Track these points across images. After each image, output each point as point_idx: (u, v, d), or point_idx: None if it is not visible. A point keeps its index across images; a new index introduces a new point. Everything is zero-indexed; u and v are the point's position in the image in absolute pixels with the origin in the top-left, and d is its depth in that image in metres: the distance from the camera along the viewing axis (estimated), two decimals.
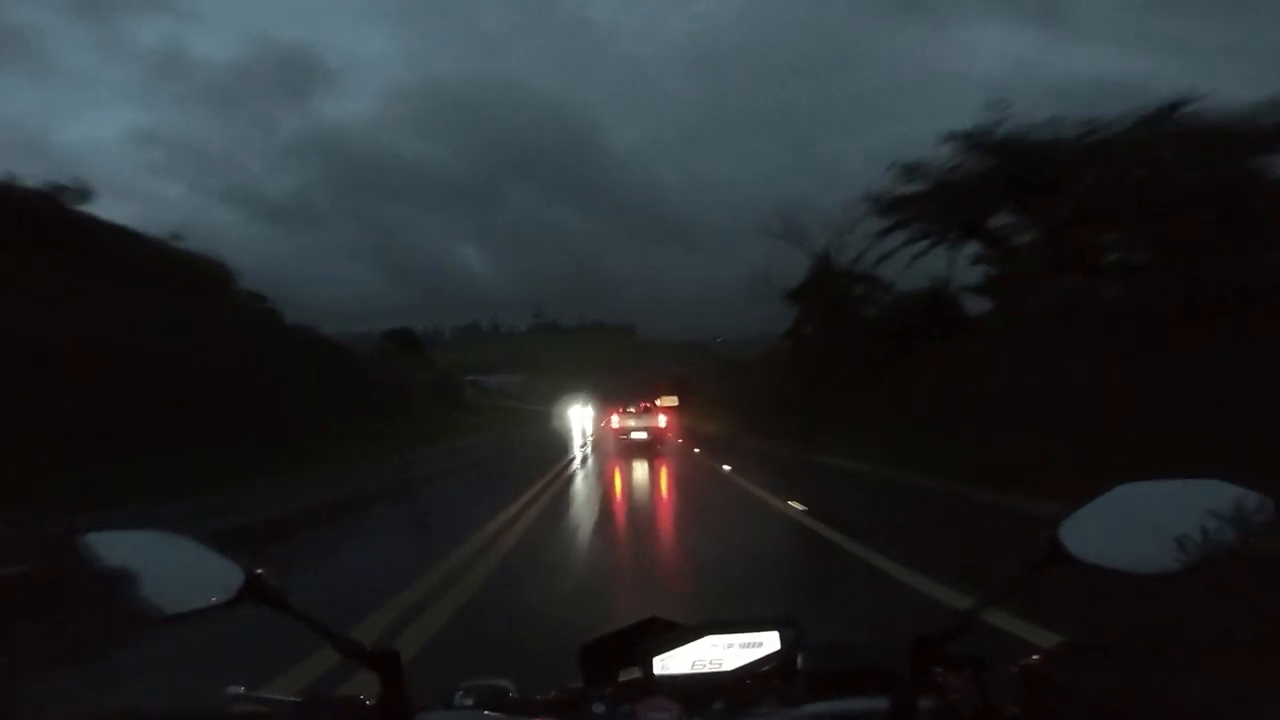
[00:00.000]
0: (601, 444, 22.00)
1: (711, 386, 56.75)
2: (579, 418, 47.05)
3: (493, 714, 0.65)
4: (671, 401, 61.45)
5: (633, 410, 19.81)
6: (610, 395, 35.25)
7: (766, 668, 0.66)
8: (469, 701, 0.67)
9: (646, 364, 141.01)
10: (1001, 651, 0.66)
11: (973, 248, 16.63)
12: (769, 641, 0.66)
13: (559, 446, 21.22)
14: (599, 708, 0.65)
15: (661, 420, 19.47)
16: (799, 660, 0.68)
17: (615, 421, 20.08)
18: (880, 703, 0.64)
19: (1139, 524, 0.61)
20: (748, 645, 0.66)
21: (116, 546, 0.64)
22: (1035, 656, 0.62)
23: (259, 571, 0.65)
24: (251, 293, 26.65)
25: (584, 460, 16.11)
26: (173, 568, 0.64)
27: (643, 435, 18.30)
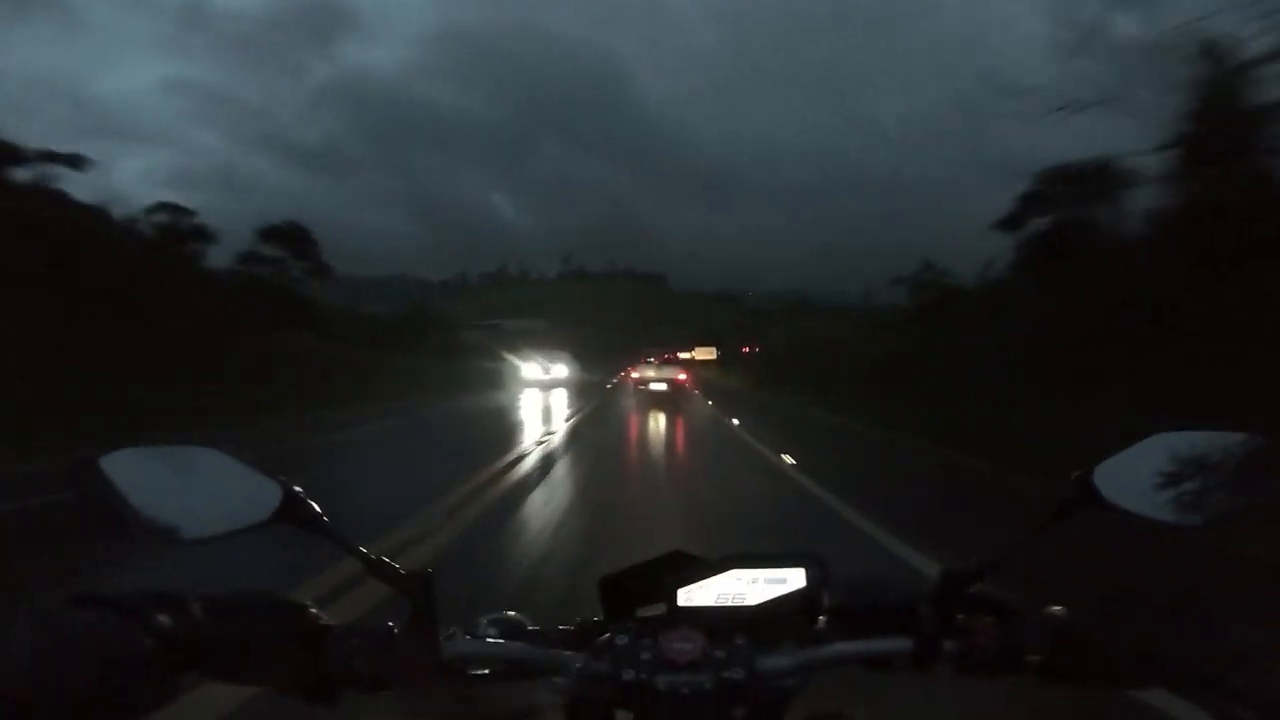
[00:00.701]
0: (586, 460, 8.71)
1: (747, 340, 52.12)
2: (545, 390, 24.50)
3: (519, 644, 0.66)
4: (709, 354, 55.57)
5: (653, 361, 20.29)
6: (638, 346, 30.01)
7: (791, 605, 0.66)
8: (493, 631, 0.68)
9: (677, 314, 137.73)
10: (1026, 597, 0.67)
11: None
12: (794, 578, 0.66)
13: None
14: (622, 639, 0.64)
15: (681, 375, 19.69)
16: (824, 598, 0.68)
17: (636, 373, 20.26)
18: (904, 643, 0.65)
19: (1174, 473, 0.62)
20: (773, 581, 0.66)
21: (142, 464, 0.60)
22: (1061, 606, 0.62)
23: (298, 490, 0.61)
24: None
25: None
26: (204, 485, 0.61)
27: (662, 387, 18.43)
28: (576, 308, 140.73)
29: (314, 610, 0.61)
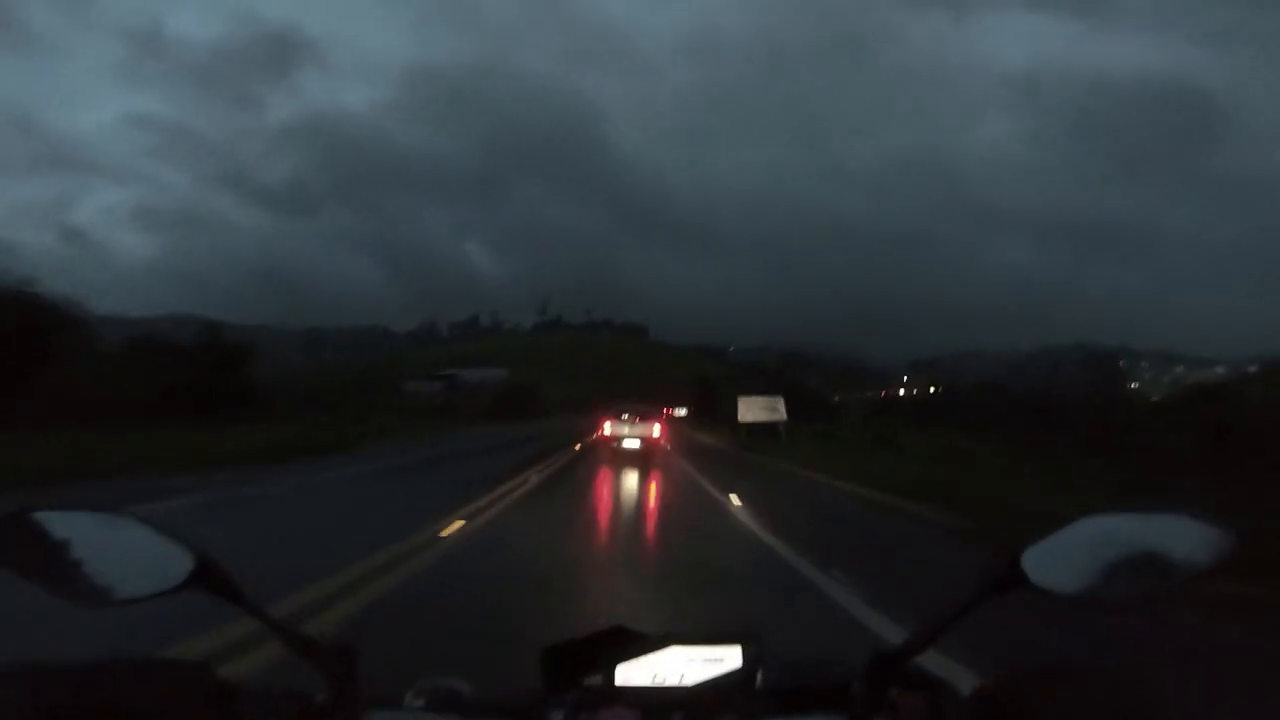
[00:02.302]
0: None
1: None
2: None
3: (445, 717, 0.66)
4: (770, 412, 24.82)
5: (628, 417, 17.56)
6: (619, 398, 23.13)
7: (727, 683, 0.69)
8: (420, 702, 0.68)
9: (659, 366, 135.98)
10: (957, 674, 0.71)
11: None
12: (730, 657, 0.69)
13: None
14: (557, 715, 0.65)
15: (656, 431, 17.67)
16: (759, 676, 0.70)
17: (608, 428, 17.66)
18: None
19: (1101, 554, 0.64)
20: (710, 660, 0.69)
21: (61, 525, 0.63)
22: (988, 681, 0.64)
23: (209, 558, 0.63)
24: None
25: None
26: (118, 550, 0.63)
27: (635, 444, 16.76)
28: (553, 359, 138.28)
29: (216, 672, 0.59)
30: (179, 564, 0.61)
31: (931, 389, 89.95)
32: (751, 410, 25.90)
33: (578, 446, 19.61)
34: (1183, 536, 0.62)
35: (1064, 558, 0.64)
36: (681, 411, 65.64)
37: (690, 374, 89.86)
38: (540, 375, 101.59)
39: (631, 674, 0.67)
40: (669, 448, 19.59)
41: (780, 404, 26.32)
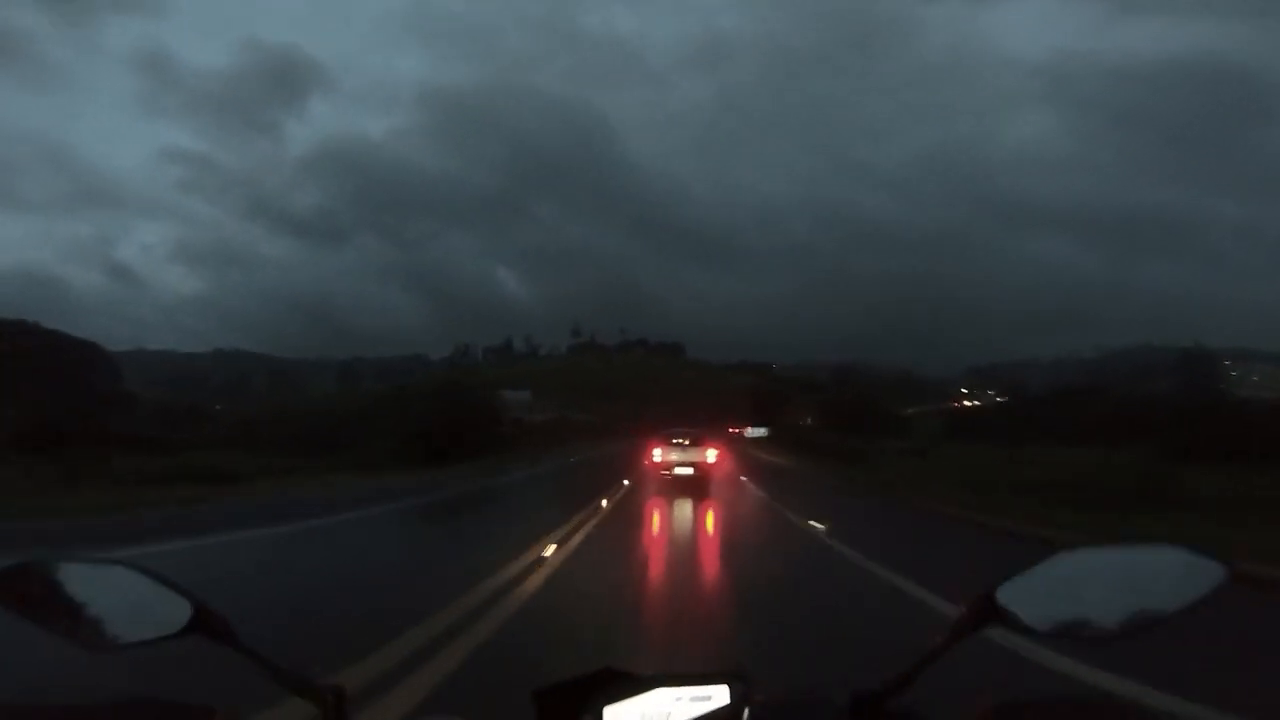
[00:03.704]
0: None
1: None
2: None
3: None
4: None
5: (681, 442, 16.49)
6: (660, 420, 20.64)
7: None
8: None
9: (699, 384, 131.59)
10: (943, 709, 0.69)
11: None
12: (718, 695, 0.70)
13: None
14: None
15: (711, 455, 16.53)
16: (745, 716, 0.71)
17: (657, 454, 16.62)
18: None
19: (1082, 589, 0.63)
20: (697, 699, 0.70)
21: (66, 574, 0.66)
22: (974, 715, 0.64)
23: (207, 605, 0.67)
24: None
25: None
26: (120, 599, 0.66)
27: (688, 471, 15.82)
28: (589, 380, 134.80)
29: (218, 712, 0.62)
30: (178, 610, 0.65)
31: (997, 398, 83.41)
32: None
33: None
34: (1170, 570, 0.61)
35: (1042, 593, 0.62)
36: (760, 431, 54.88)
37: (734, 390, 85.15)
38: (575, 397, 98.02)
39: (620, 715, 0.67)
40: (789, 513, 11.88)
41: None
